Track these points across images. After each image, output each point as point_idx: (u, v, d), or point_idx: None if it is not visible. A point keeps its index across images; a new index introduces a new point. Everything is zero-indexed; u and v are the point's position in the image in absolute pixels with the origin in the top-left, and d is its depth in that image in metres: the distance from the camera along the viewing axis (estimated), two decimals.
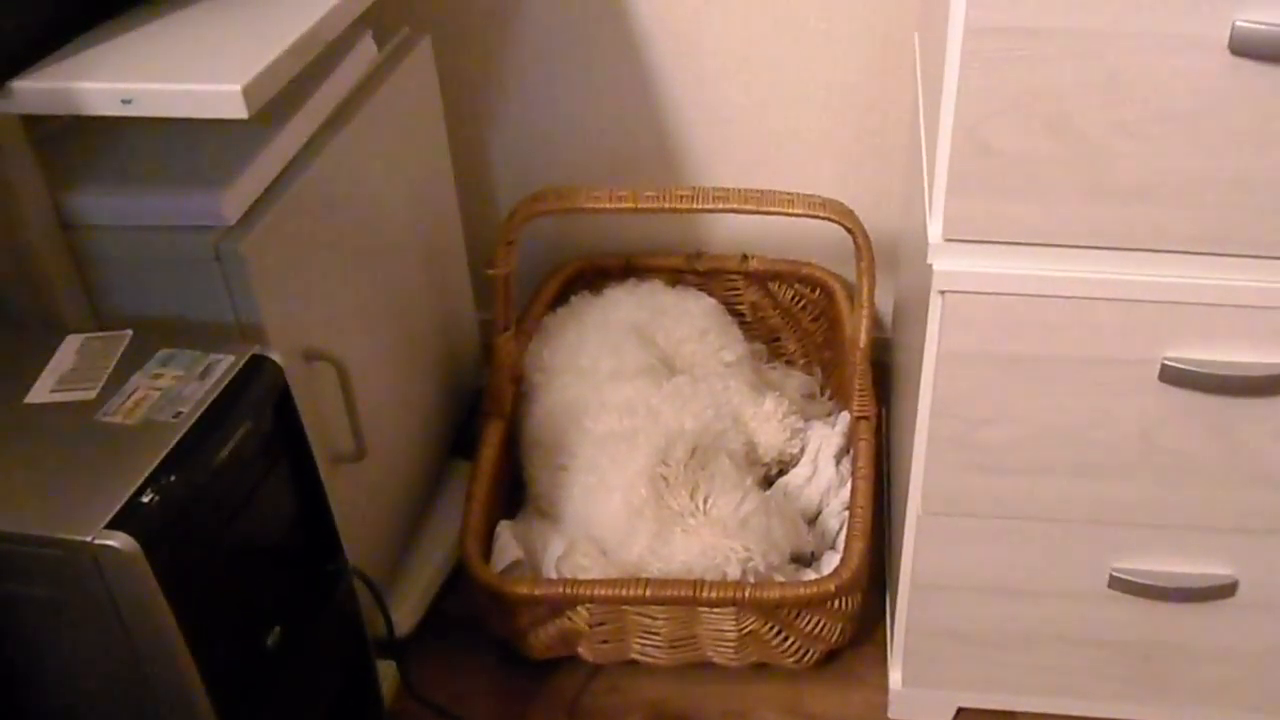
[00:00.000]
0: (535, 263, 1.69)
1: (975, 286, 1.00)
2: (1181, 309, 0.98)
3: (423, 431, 1.48)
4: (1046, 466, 1.09)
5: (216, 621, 0.88)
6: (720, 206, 1.32)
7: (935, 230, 0.99)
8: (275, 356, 0.94)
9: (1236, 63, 0.86)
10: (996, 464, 1.09)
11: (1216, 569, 1.14)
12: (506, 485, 1.48)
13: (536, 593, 1.25)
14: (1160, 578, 1.14)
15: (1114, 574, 1.14)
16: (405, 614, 1.40)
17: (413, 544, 1.47)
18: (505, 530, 1.38)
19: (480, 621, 1.37)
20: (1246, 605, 1.15)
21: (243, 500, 0.90)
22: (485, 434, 1.44)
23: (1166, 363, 1.01)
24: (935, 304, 1.02)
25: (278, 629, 0.95)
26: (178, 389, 0.89)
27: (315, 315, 1.14)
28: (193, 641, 0.82)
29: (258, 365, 0.92)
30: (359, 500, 1.27)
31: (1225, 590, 1.14)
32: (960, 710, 1.30)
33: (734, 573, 1.24)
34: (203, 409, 0.87)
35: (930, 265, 1.00)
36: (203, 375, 0.90)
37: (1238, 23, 0.84)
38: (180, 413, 0.86)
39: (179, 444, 0.84)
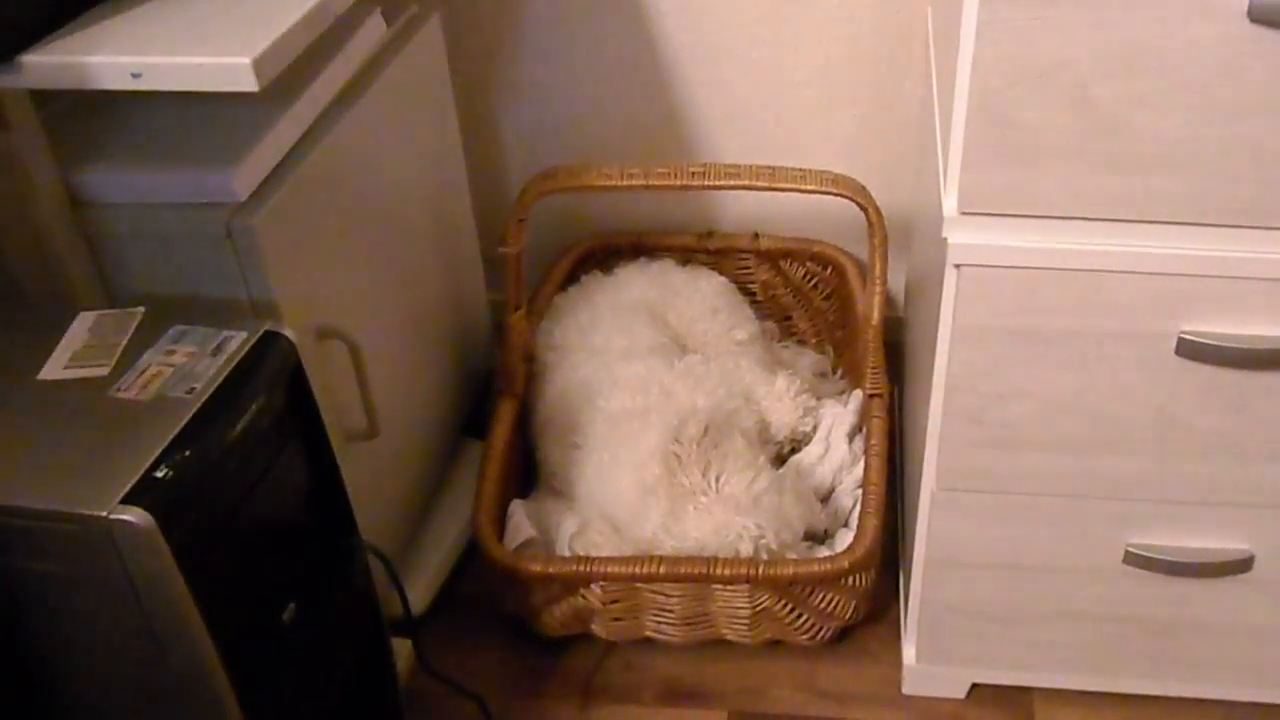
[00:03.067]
0: (546, 241, 1.68)
1: (990, 260, 0.99)
2: (1199, 282, 0.97)
3: (435, 410, 1.48)
4: (1062, 442, 1.08)
5: (232, 597, 0.88)
6: (732, 183, 1.31)
7: (950, 204, 0.98)
8: (288, 333, 0.93)
9: (1256, 31, 0.85)
10: (1011, 439, 1.09)
11: (1233, 544, 1.13)
12: (519, 464, 1.48)
13: (550, 570, 1.25)
14: (1176, 553, 1.13)
15: (1129, 549, 1.14)
16: (419, 592, 1.40)
17: (426, 522, 1.47)
18: (518, 509, 1.38)
19: (493, 600, 1.37)
20: (1263, 580, 1.14)
21: (257, 476, 0.90)
22: (498, 412, 1.44)
23: (1184, 336, 1.00)
24: (950, 278, 1.01)
25: (293, 605, 0.95)
26: (190, 365, 0.89)
27: (327, 293, 1.14)
28: (208, 617, 0.82)
29: (270, 341, 0.92)
30: (372, 479, 1.27)
31: (1241, 565, 1.14)
32: (974, 686, 1.30)
33: (747, 550, 1.24)
34: (216, 385, 0.87)
35: (945, 239, 0.99)
36: (215, 352, 0.90)
37: None
38: (193, 389, 0.86)
39: (192, 420, 0.84)
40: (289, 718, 0.97)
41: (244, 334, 0.91)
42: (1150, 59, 0.87)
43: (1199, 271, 0.97)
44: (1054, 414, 1.06)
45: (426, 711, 1.30)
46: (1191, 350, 1.00)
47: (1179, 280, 0.98)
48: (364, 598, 1.05)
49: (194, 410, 0.84)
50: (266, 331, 0.92)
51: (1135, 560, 1.14)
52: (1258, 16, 0.84)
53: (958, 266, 1.00)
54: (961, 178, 0.96)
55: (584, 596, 1.29)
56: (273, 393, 0.91)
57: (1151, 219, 0.95)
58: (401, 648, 1.31)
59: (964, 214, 0.98)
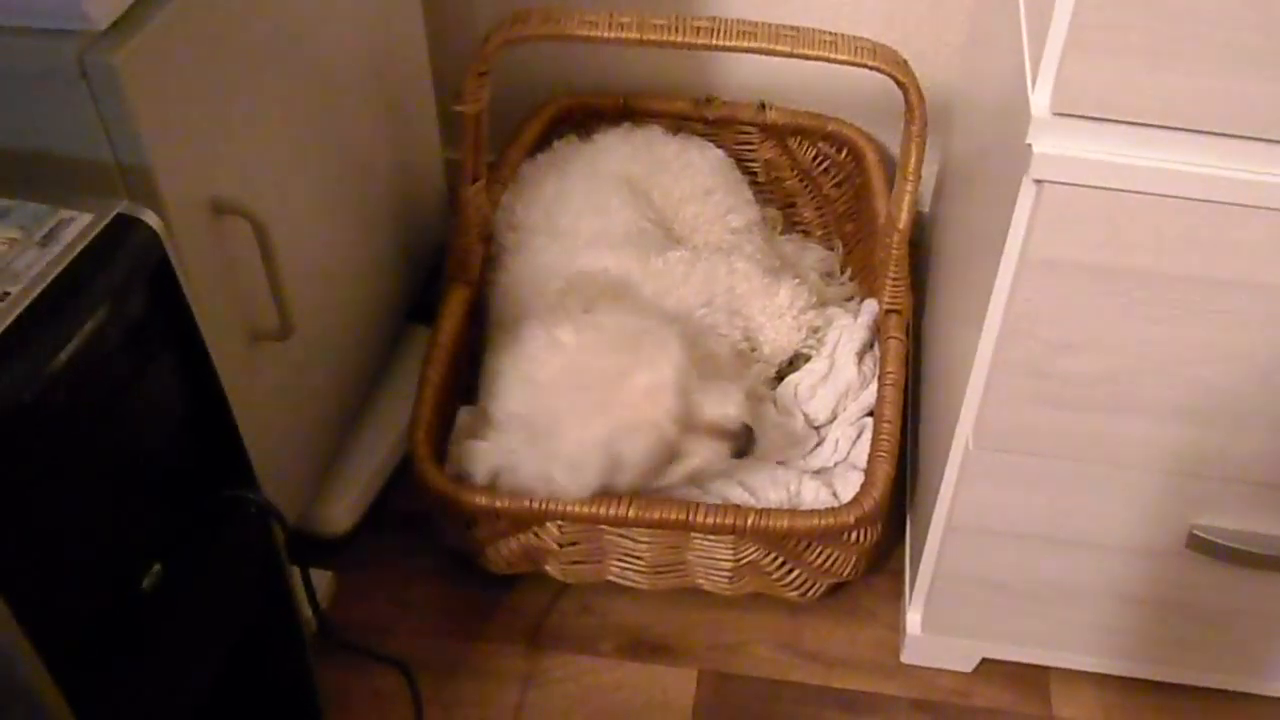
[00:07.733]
0: (516, 98, 1.42)
1: (1086, 177, 0.76)
2: None
3: (372, 297, 1.25)
4: (1136, 405, 0.87)
5: (66, 565, 0.67)
6: (745, 45, 1.05)
7: (1041, 99, 0.75)
8: (148, 218, 0.69)
9: None
10: (1075, 398, 0.87)
11: None
12: (471, 362, 1.25)
13: (497, 505, 1.05)
14: (1252, 540, 0.94)
15: (1195, 532, 0.94)
16: (344, 509, 1.20)
17: (360, 426, 1.26)
18: (466, 418, 1.16)
19: (431, 527, 1.17)
20: None
21: (100, 410, 0.68)
22: (446, 303, 1.21)
23: None
24: (1027, 195, 0.79)
25: (158, 568, 0.74)
26: (9, 258, 0.65)
27: (227, 156, 0.89)
28: (27, 598, 0.61)
29: (124, 228, 0.68)
30: (288, 383, 1.05)
31: None
32: (985, 660, 1.12)
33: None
34: (41, 289, 0.63)
35: (1028, 145, 0.76)
36: (45, 240, 0.66)
37: None
38: (7, 294, 0.63)
39: (2, 340, 0.61)
40: (157, 697, 0.77)
41: (88, 217, 0.67)
42: None
43: None
44: (1135, 372, 0.85)
45: (347, 667, 1.11)
46: None
47: None
48: (255, 550, 0.83)
49: (5, 325, 0.61)
50: (119, 215, 0.68)
51: (1201, 545, 0.95)
52: None
53: (1039, 182, 0.77)
54: (1062, 66, 0.72)
55: (537, 535, 1.09)
56: (124, 299, 0.68)
57: None
58: (321, 579, 1.11)
59: (1058, 115, 0.74)
